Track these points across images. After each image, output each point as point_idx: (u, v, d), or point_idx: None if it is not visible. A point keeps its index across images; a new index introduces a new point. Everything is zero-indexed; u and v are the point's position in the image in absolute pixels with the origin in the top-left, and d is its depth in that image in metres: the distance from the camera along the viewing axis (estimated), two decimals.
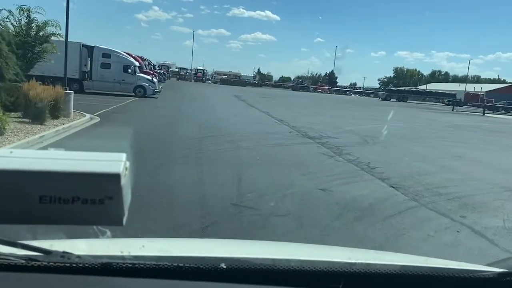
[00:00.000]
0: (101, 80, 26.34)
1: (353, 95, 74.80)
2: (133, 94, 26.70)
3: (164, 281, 1.06)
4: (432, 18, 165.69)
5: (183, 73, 78.09)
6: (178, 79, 73.21)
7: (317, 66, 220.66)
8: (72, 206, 0.70)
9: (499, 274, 1.17)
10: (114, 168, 0.71)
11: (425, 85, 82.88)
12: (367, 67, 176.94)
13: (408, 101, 59.11)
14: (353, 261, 1.24)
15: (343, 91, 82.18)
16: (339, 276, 1.10)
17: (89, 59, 26.44)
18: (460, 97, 59.24)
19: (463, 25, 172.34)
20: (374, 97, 75.33)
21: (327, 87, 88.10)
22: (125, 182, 0.72)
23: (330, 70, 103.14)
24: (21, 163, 0.70)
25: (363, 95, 78.82)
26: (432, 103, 58.83)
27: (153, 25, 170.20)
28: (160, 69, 71.50)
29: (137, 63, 27.52)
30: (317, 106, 33.06)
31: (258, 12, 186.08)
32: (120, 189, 0.71)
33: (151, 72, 42.48)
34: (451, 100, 55.99)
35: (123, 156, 0.75)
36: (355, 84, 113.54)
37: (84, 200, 0.71)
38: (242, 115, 19.89)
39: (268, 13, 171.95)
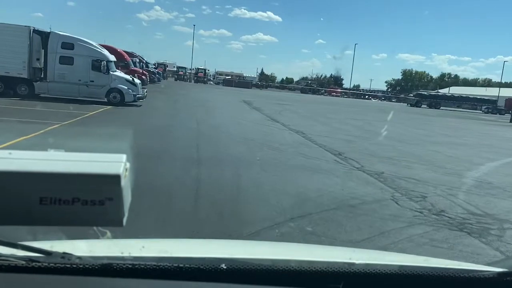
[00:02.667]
0: (60, 81, 18.51)
1: (372, 100, 66.83)
2: (105, 100, 18.93)
3: (164, 281, 1.06)
4: (433, 21, 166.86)
5: (182, 72, 69.95)
6: (176, 80, 65.21)
7: (318, 67, 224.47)
8: (72, 207, 0.70)
9: (499, 274, 1.17)
10: (114, 169, 0.71)
11: (447, 89, 75.22)
12: (368, 70, 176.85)
13: (441, 107, 51.36)
14: (353, 261, 1.22)
15: (361, 94, 74.07)
16: (339, 277, 1.10)
17: (43, 50, 18.63)
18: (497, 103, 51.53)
19: (464, 28, 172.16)
20: (396, 101, 67.60)
21: (339, 90, 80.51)
22: (125, 183, 0.72)
23: (336, 72, 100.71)
24: (21, 165, 0.70)
25: (383, 99, 70.82)
26: (468, 110, 51.03)
27: (155, 25, 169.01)
28: (156, 68, 63.78)
29: (111, 58, 19.63)
30: (358, 117, 25.23)
31: (260, 13, 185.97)
32: (120, 190, 0.71)
33: (141, 71, 34.62)
34: (489, 107, 48.19)
35: (123, 157, 0.75)
36: (358, 86, 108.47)
37: (84, 201, 0.71)
38: (278, 147, 11.00)
39: (270, 14, 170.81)
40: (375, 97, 73.47)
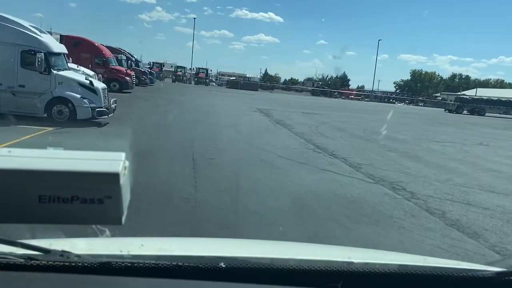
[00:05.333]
0: None
1: (397, 103, 58.92)
2: (45, 116, 11.43)
3: (163, 280, 1.06)
4: (434, 21, 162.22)
5: (180, 73, 61.88)
6: (174, 81, 57.52)
7: (320, 68, 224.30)
8: (71, 205, 0.70)
9: (498, 273, 1.17)
10: (113, 168, 0.71)
11: (472, 92, 67.43)
12: (370, 70, 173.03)
13: (486, 113, 43.49)
14: (351, 260, 1.22)
15: (384, 98, 65.97)
16: (338, 276, 1.11)
17: None
18: None
19: (466, 28, 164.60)
20: (424, 105, 59.76)
21: (354, 92, 72.97)
22: (124, 182, 0.72)
23: (342, 72, 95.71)
24: (20, 163, 0.70)
25: (407, 103, 62.90)
26: None
27: (156, 26, 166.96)
28: (151, 68, 56.13)
29: (56, 47, 12.08)
30: (447, 136, 17.55)
31: (261, 13, 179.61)
32: (119, 189, 0.70)
33: (125, 70, 26.97)
34: None
35: (122, 155, 0.74)
36: (362, 87, 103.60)
37: (83, 200, 0.70)
38: None
39: (272, 14, 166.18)
40: (398, 100, 65.42)
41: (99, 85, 12.44)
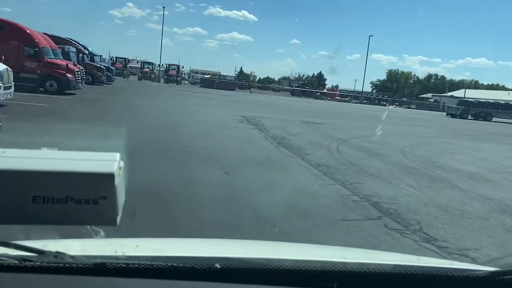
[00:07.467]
0: None
1: (389, 106, 54.05)
2: None
3: (158, 281, 1.05)
4: (405, 22, 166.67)
5: (147, 69, 54.77)
6: (140, 78, 50.66)
7: (294, 67, 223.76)
8: (66, 206, 0.70)
9: (492, 273, 1.17)
10: (108, 168, 0.70)
11: (460, 93, 63.72)
12: (343, 70, 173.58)
13: (493, 119, 38.88)
14: (346, 260, 1.23)
15: (375, 99, 60.85)
16: (333, 276, 1.10)
17: None
18: None
19: (435, 29, 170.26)
20: (415, 108, 55.32)
21: (337, 93, 68.44)
22: (119, 182, 0.71)
23: (318, 71, 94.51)
24: (14, 163, 0.69)
25: (396, 105, 58.20)
26: None
27: (128, 22, 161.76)
28: (114, 64, 49.30)
29: None
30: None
31: (235, 11, 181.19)
32: (114, 189, 0.70)
33: (65, 63, 20.46)
34: None
35: (117, 155, 0.74)
36: (337, 86, 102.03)
37: (78, 200, 0.70)
38: None
39: (245, 13, 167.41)
40: (388, 101, 60.54)
41: None
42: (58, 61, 19.87)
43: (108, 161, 0.71)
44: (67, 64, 19.79)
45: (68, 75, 19.30)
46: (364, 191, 7.00)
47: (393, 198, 6.79)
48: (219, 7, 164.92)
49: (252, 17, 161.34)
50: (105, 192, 0.69)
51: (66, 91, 19.43)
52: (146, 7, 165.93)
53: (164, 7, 68.63)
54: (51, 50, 20.29)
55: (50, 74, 19.09)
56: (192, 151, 8.97)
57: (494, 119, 39.58)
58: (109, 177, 0.69)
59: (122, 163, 0.73)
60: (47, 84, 19.19)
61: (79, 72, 20.93)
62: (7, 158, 0.70)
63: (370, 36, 73.12)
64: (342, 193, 6.79)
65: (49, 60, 19.39)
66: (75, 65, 21.75)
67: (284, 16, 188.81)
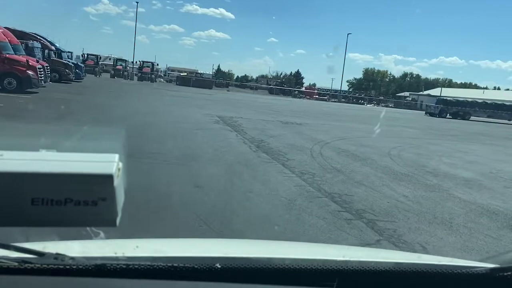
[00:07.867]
0: None
1: (367, 105, 53.74)
2: None
3: (159, 281, 1.05)
4: (380, 22, 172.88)
5: (120, 67, 52.72)
6: (113, 76, 48.68)
7: (271, 65, 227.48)
8: (65, 207, 0.70)
9: (492, 269, 1.15)
10: (107, 169, 0.70)
11: (438, 90, 64.11)
12: (318, 68, 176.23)
13: (471, 117, 38.85)
14: (347, 258, 1.22)
15: (353, 98, 60.54)
16: (334, 274, 1.09)
17: None
18: None
19: (409, 29, 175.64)
20: (393, 107, 55.19)
21: (315, 90, 68.08)
22: (118, 183, 0.71)
23: (296, 70, 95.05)
24: (13, 165, 0.69)
25: (374, 104, 58.05)
26: (505, 121, 38.98)
27: (103, 19, 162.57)
28: (85, 61, 47.31)
29: None
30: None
31: (212, 9, 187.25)
32: (113, 190, 0.70)
33: (26, 60, 18.92)
34: None
35: (116, 156, 0.74)
36: (314, 85, 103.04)
37: (77, 202, 0.70)
38: None
39: (223, 10, 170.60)
40: (366, 100, 60.30)
41: None
42: (18, 57, 18.31)
43: (107, 163, 0.71)
44: (27, 60, 18.23)
45: (29, 72, 17.77)
46: (355, 205, 6.10)
47: (389, 214, 5.90)
48: (196, 5, 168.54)
49: (229, 15, 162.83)
50: (104, 193, 0.69)
51: (27, 90, 17.93)
52: (121, 4, 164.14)
53: (137, 2, 65.34)
54: (11, 45, 18.68)
55: (9, 71, 17.56)
56: (158, 158, 7.87)
57: (471, 117, 39.71)
58: (108, 178, 0.68)
59: (121, 164, 0.73)
60: (5, 82, 17.64)
61: (42, 69, 19.40)
62: (6, 161, 0.69)
63: (348, 34, 72.43)
64: (332, 209, 5.85)
65: (7, 55, 17.82)
66: (38, 61, 20.19)
67: (262, 14, 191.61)
